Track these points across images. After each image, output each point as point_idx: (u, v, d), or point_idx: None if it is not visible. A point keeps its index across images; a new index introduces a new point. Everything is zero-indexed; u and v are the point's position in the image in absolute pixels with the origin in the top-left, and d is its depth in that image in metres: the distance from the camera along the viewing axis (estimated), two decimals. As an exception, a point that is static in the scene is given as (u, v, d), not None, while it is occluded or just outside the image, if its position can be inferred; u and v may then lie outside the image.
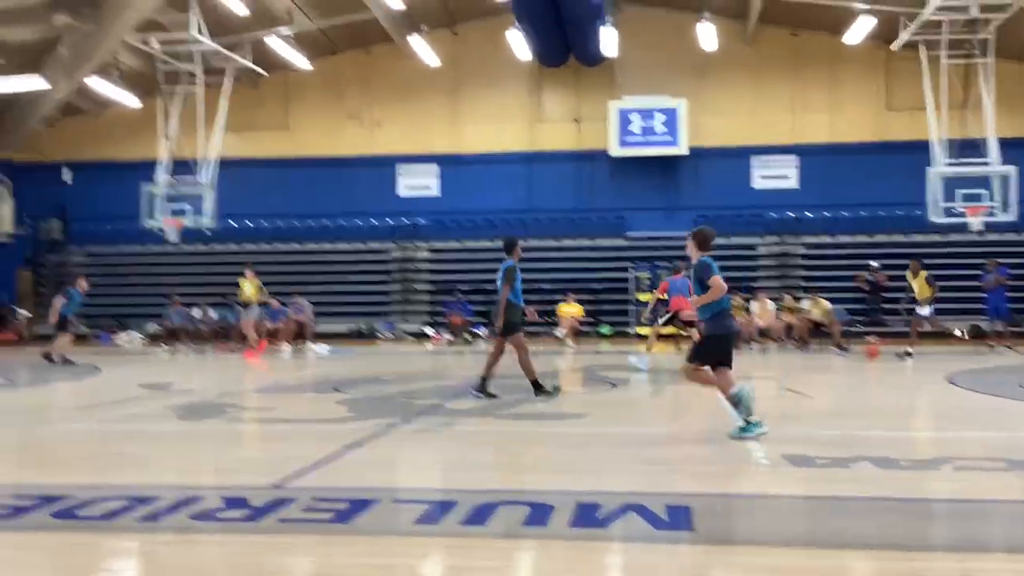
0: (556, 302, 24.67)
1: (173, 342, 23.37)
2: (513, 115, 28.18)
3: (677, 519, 5.53)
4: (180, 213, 24.33)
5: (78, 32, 22.98)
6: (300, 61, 25.99)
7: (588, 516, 5.58)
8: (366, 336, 26.39)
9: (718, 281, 8.37)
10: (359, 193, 28.49)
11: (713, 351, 8.55)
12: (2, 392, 13.88)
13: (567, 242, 27.63)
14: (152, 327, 25.65)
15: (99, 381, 15.28)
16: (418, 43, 24.99)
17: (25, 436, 9.26)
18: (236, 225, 27.98)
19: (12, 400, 13.08)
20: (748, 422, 8.35)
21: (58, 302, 18.43)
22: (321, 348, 22.01)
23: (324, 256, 28.20)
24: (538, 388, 11.48)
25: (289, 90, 28.82)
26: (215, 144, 24.46)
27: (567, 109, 28.38)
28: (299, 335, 22.91)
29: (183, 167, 24.18)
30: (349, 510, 5.73)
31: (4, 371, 16.78)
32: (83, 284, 19.33)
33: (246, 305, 21.17)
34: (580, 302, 24.60)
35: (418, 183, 28.60)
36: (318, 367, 17.98)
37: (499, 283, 11.61)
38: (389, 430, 9.12)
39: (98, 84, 25.85)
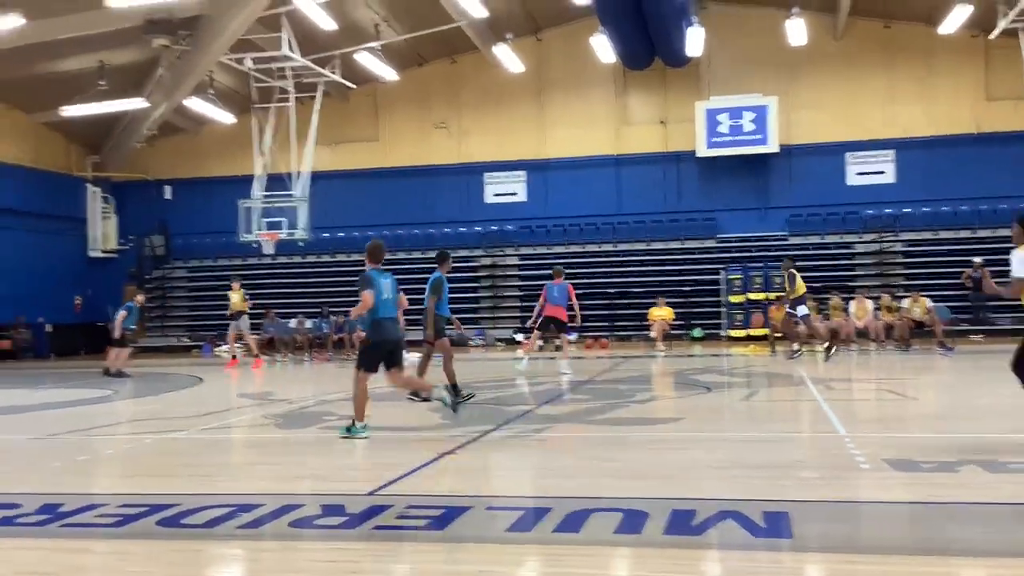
0: (647, 306, 24.47)
1: (271, 352, 23.91)
2: (599, 119, 28.09)
3: (775, 526, 5.41)
4: (275, 226, 24.90)
5: (176, 54, 23.79)
6: (388, 73, 26.37)
7: (683, 523, 5.50)
8: (457, 343, 26.53)
9: (366, 296, 8.92)
10: (447, 201, 28.79)
11: (371, 357, 9.21)
12: (108, 404, 14.42)
13: (656, 245, 27.40)
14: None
15: (201, 391, 15.74)
16: (503, 51, 25.10)
17: (130, 446, 9.59)
18: (329, 236, 28.56)
19: (117, 411, 13.57)
20: (354, 423, 9.11)
21: (120, 316, 18.64)
22: (412, 356, 22.19)
23: (413, 264, 28.49)
24: (456, 391, 11.22)
25: (378, 102, 29.30)
26: (307, 158, 24.98)
27: (653, 111, 28.15)
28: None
29: (277, 181, 24.77)
30: (443, 517, 5.77)
31: (110, 383, 17.43)
32: (140, 298, 20.03)
33: (234, 316, 21.22)
34: (671, 305, 24.33)
35: (505, 190, 28.75)
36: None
37: (427, 293, 11.79)
38: (482, 437, 9.16)
39: (195, 103, 26.74)
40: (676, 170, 27.82)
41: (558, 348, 24.02)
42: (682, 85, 27.44)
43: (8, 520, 6.04)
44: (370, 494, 6.53)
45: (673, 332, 24.18)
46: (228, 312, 21.51)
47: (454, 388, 11.47)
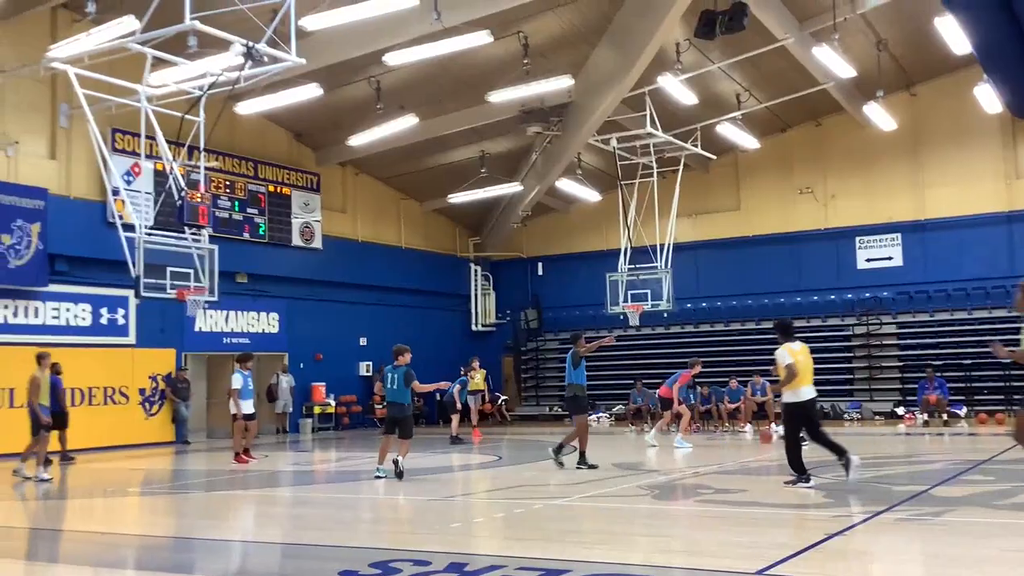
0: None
1: (638, 422, 24.26)
2: (984, 174, 25.83)
3: None
4: (640, 298, 25.43)
5: (547, 139, 25.40)
6: (749, 142, 26.22)
7: None
8: (831, 416, 25.31)
9: (378, 387, 13.94)
10: (815, 268, 27.78)
11: (386, 424, 13.72)
12: (494, 469, 15.36)
13: (1063, 310, 24.42)
14: (618, 407, 26.89)
15: (573, 460, 16.26)
16: (873, 109, 24.03)
17: (520, 510, 10.11)
18: (692, 306, 28.64)
19: (503, 476, 14.41)
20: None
21: (456, 389, 21.35)
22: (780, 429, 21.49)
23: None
24: (559, 451, 14.05)
25: (739, 170, 29.15)
26: (670, 230, 25.38)
27: (1051, 161, 25.40)
28: (760, 415, 22.63)
29: (641, 254, 25.35)
30: (841, 603, 5.47)
31: (492, 449, 18.58)
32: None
33: (475, 392, 22.73)
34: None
35: (879, 254, 27.18)
36: (782, 449, 17.54)
37: (568, 370, 14.07)
38: (871, 518, 8.61)
39: (564, 184, 28.29)
40: (1082, 224, 24.78)
41: (945, 423, 22.10)
42: (1086, 129, 24.56)
43: None
44: (758, 573, 6.36)
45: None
46: (471, 390, 22.73)
47: (561, 449, 14.06)
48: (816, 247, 27.91)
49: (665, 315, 26.35)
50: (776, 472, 13.95)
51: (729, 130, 25.18)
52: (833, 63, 21.04)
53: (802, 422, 10.83)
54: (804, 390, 10.72)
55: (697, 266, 28.55)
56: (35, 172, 20.12)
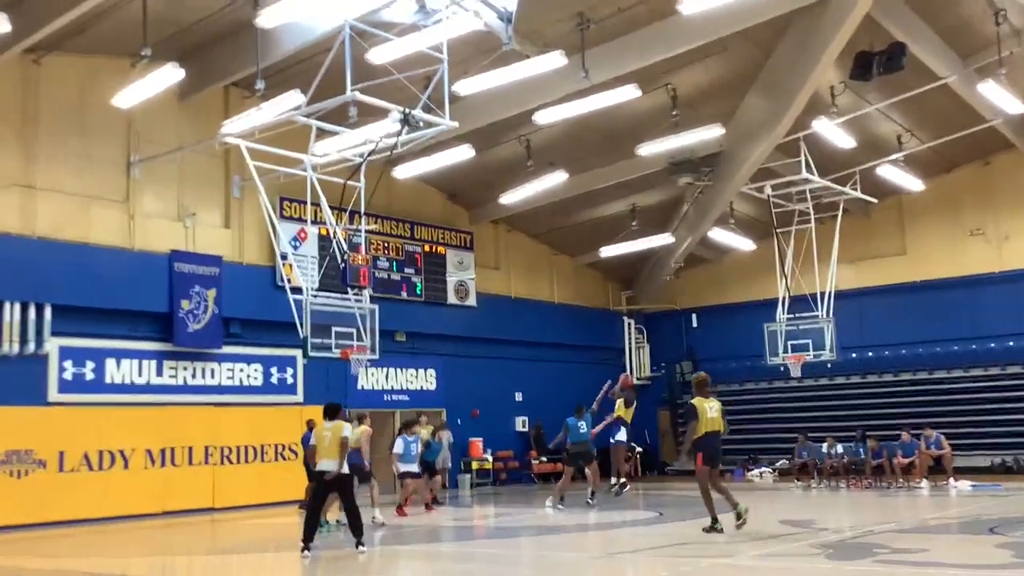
0: None
1: (804, 477, 23.35)
2: None
3: None
4: (801, 348, 24.60)
5: (698, 190, 25.17)
6: (912, 184, 25.20)
7: None
8: (1015, 471, 23.70)
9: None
10: (990, 314, 26.19)
11: None
12: (655, 525, 15.05)
13: None
14: (782, 462, 25.97)
15: (740, 516, 15.75)
16: (1046, 144, 22.72)
17: (686, 568, 9.84)
18: (857, 356, 27.50)
19: (662, 534, 14.11)
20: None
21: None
22: (963, 484, 20.29)
23: (955, 384, 26.26)
24: (561, 500, 17.32)
25: (903, 214, 27.98)
26: (830, 277, 24.55)
27: None
28: (936, 470, 21.40)
29: (800, 302, 24.58)
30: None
31: (655, 506, 18.24)
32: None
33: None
34: None
35: (1063, 296, 25.45)
36: (963, 506, 16.54)
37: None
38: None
39: (717, 234, 27.84)
40: None
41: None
42: None
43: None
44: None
45: None
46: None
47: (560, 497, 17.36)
48: (991, 291, 26.36)
49: (828, 365, 25.33)
50: (957, 530, 13.15)
51: (891, 172, 24.28)
52: (1000, 99, 20.07)
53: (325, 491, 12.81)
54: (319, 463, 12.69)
55: (861, 314, 27.40)
56: (211, 241, 21.37)
